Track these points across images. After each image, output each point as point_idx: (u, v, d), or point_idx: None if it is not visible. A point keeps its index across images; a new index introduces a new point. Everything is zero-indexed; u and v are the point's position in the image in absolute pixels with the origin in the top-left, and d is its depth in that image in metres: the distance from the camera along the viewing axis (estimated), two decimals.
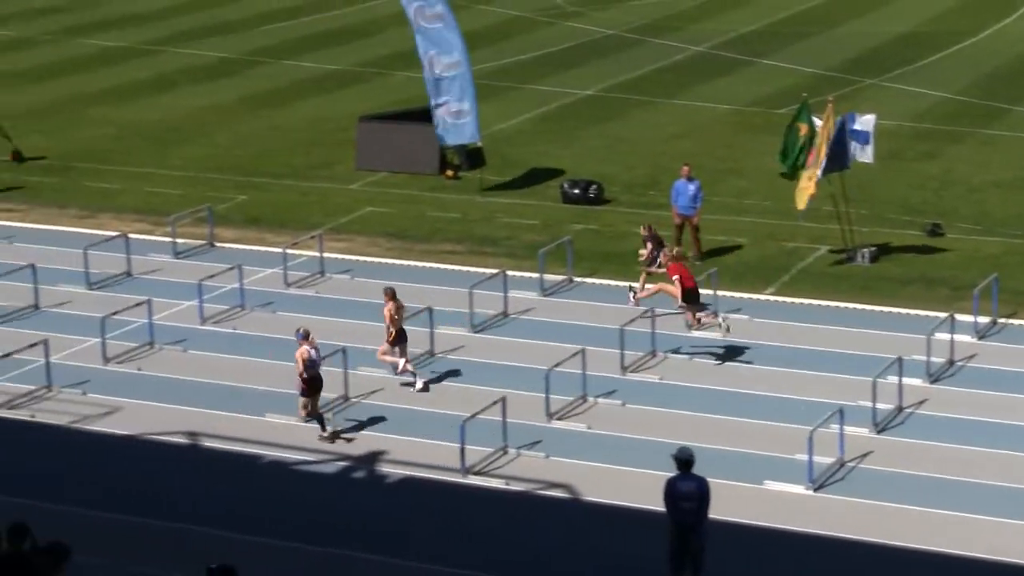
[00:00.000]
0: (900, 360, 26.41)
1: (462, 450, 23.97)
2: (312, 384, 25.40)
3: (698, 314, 28.75)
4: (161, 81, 53.05)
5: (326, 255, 34.04)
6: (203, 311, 30.96)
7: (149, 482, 24.24)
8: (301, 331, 25.70)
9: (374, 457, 24.87)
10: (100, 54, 57.36)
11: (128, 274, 33.72)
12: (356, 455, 24.95)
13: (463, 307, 30.56)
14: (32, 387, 27.60)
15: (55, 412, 26.74)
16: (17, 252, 34.93)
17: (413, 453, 24.92)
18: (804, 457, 23.38)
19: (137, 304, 30.05)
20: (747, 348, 29.04)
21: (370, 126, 42.55)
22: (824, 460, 23.81)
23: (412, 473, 24.32)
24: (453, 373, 28.22)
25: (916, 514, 22.55)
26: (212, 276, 32.20)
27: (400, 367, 27.38)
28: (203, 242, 35.89)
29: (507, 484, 23.78)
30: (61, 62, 55.83)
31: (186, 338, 29.99)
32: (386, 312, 27.29)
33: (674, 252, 29.43)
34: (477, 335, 30.09)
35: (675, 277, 28.24)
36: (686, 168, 34.82)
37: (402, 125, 42.19)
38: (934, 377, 27.45)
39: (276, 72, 54.56)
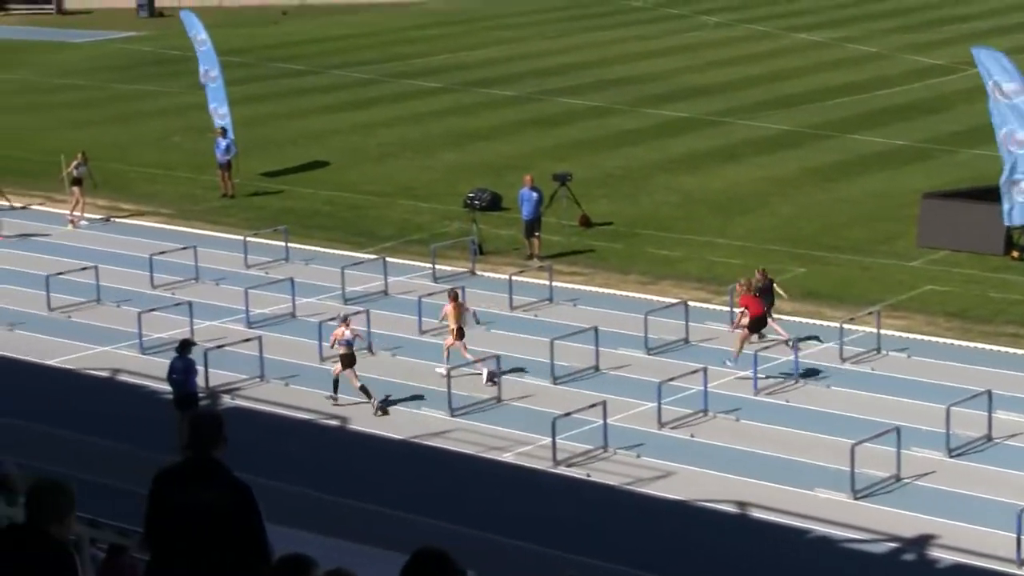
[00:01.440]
0: None
1: (1018, 540, 23.25)
2: (344, 359, 29.96)
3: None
4: (726, 151, 53.75)
5: (883, 332, 33.67)
6: (757, 382, 31.17)
7: (699, 547, 24.57)
8: (341, 315, 31.27)
9: (925, 540, 24.40)
10: (667, 124, 58.65)
11: (686, 341, 34.26)
12: (907, 537, 24.56)
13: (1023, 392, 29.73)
14: (589, 447, 28.42)
15: (610, 472, 27.43)
16: (580, 314, 36.04)
17: (966, 539, 24.33)
18: None
19: (693, 371, 30.53)
20: None
21: (934, 203, 41.90)
22: None
23: (964, 560, 23.74)
24: (1012, 459, 27.40)
25: None
26: (767, 348, 32.40)
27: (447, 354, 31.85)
28: None
29: None
30: (630, 132, 57.31)
31: (739, 407, 30.24)
32: (448, 311, 31.96)
33: (746, 284, 32.83)
34: None
35: (742, 308, 32.49)
36: None
37: (967, 203, 41.38)
38: None
39: (841, 146, 54.42)
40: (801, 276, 38.95)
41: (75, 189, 45.28)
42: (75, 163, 45.56)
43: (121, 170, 51.04)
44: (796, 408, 30.24)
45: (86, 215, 45.59)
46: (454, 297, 32.35)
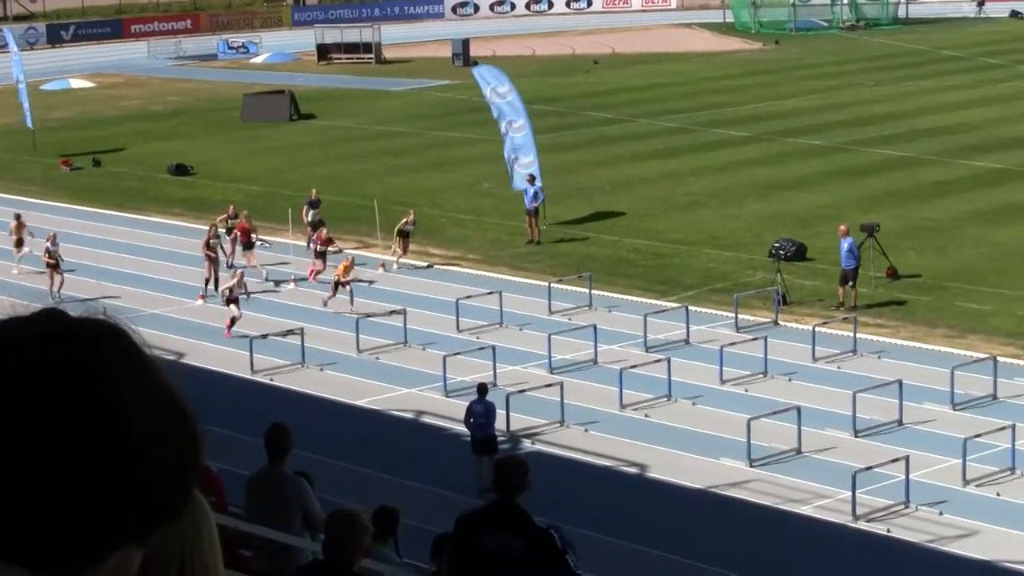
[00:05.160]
0: None
1: None
2: None
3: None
4: None
5: None
6: None
7: None
8: None
9: None
10: (980, 175, 57.31)
11: (993, 397, 33.45)
12: None
13: None
14: (890, 502, 27.97)
15: (911, 529, 26.96)
16: (885, 367, 35.50)
17: None
18: None
19: (1000, 428, 29.81)
20: None
21: None
22: None
23: None
24: None
25: None
26: None
27: None
28: None
29: None
30: (941, 183, 56.13)
31: None
32: None
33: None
34: None
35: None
36: None
37: None
38: None
39: None
40: None
41: (399, 239, 45.95)
42: (405, 220, 46.16)
43: (433, 215, 52.11)
44: None
45: (402, 260, 46.42)
46: None
